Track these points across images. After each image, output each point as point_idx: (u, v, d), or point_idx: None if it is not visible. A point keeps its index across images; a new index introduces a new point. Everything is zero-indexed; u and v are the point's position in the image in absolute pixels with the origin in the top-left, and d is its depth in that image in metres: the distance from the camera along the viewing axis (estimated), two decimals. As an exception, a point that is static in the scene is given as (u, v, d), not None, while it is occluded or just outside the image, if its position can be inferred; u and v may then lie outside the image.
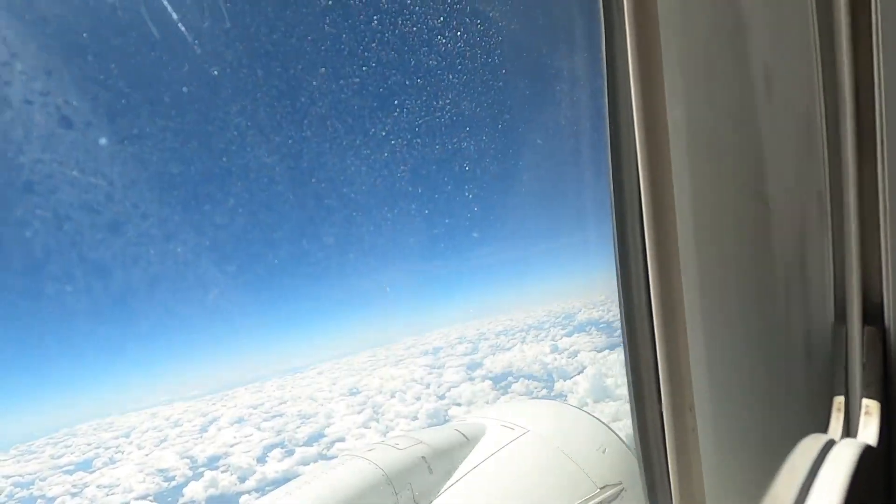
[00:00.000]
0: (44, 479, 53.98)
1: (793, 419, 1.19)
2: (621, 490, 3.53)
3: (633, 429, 1.46)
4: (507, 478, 3.40)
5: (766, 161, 1.31)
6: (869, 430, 1.20)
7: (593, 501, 3.41)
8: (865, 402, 1.24)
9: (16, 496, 51.02)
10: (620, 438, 3.81)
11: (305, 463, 41.70)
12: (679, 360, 1.28)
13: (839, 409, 1.28)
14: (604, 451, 3.66)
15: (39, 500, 47.54)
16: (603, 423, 3.91)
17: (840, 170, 1.41)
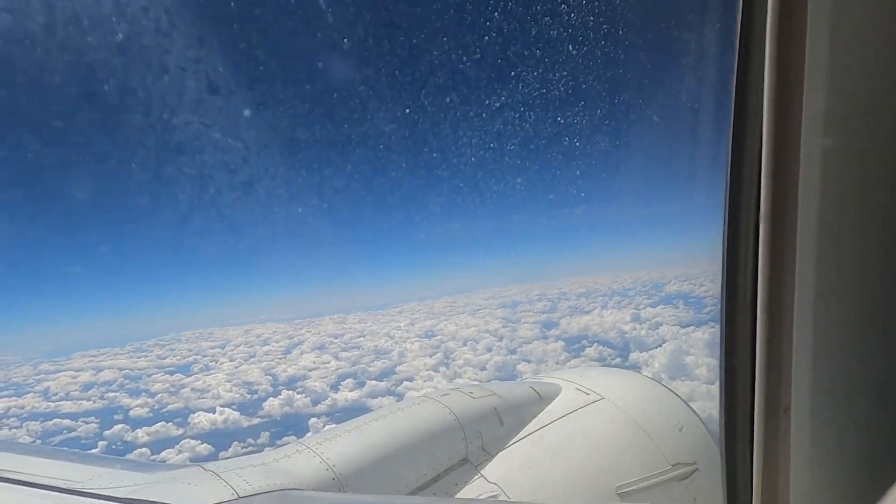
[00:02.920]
0: (149, 376, 60.72)
1: None
2: (694, 470, 3.42)
3: (720, 423, 1.36)
4: (576, 441, 3.39)
5: None
6: None
7: (662, 477, 3.33)
8: None
9: (125, 387, 57.74)
10: (700, 419, 3.66)
11: (373, 396, 43.95)
12: (780, 356, 1.15)
13: None
14: (681, 430, 3.54)
15: (143, 395, 53.37)
16: (683, 400, 3.77)
17: None
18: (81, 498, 2.14)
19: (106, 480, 2.30)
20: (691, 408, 3.79)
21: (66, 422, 47.36)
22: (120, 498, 2.12)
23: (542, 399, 3.58)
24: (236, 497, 2.19)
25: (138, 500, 2.09)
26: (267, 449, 2.81)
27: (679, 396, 3.81)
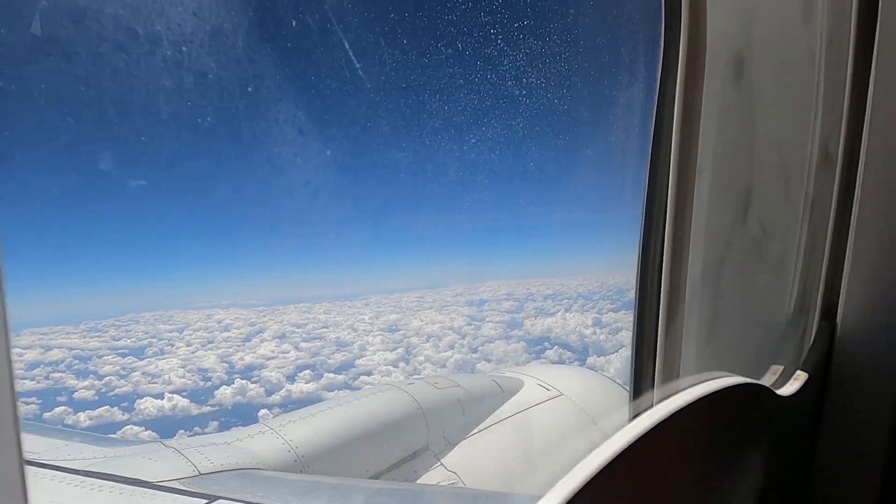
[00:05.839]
0: (100, 357, 58.55)
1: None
2: None
3: (630, 372, 1.77)
4: (534, 433, 3.49)
5: (766, 183, 1.72)
6: (790, 388, 1.53)
7: None
8: (798, 372, 1.59)
9: (73, 368, 55.63)
10: None
11: (330, 389, 43.48)
12: (676, 329, 1.60)
13: (773, 374, 1.61)
14: None
15: (91, 377, 51.58)
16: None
17: (822, 195, 1.81)
18: (39, 469, 2.11)
19: (64, 452, 2.26)
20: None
21: (6, 402, 45.26)
22: (78, 470, 2.09)
23: (504, 392, 3.66)
24: (197, 474, 2.19)
25: (97, 472, 2.07)
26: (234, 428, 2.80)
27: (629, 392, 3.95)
